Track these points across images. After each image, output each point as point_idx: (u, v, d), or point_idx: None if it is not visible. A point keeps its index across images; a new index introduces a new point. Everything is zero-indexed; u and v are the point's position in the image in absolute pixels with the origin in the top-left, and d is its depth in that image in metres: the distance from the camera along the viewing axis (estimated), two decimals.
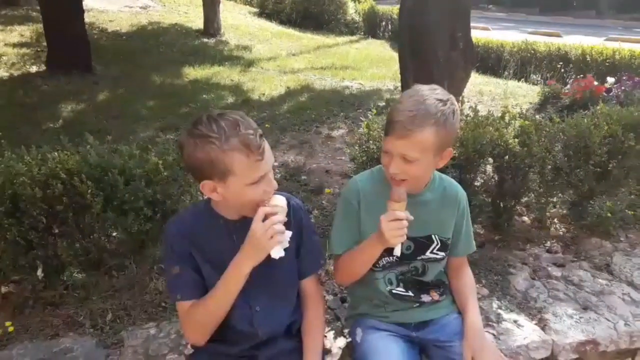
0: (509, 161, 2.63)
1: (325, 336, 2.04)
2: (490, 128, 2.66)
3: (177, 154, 2.38)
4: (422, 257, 1.76)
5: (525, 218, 3.05)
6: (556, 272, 2.52)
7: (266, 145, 1.44)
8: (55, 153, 2.17)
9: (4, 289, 2.36)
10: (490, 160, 2.76)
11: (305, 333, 1.65)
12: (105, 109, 5.00)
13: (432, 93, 1.58)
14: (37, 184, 2.08)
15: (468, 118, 2.79)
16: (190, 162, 1.43)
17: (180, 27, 9.72)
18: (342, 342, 2.02)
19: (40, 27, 7.27)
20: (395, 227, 1.51)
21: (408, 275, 1.79)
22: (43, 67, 6.16)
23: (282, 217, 1.42)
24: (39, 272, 2.28)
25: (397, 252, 1.58)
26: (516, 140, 2.62)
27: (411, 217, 1.55)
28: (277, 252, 1.44)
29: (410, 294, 1.79)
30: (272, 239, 1.39)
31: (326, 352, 1.96)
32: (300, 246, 1.63)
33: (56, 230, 2.21)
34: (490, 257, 2.64)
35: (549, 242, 2.83)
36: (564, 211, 3.07)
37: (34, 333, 2.15)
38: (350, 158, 2.85)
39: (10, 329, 2.07)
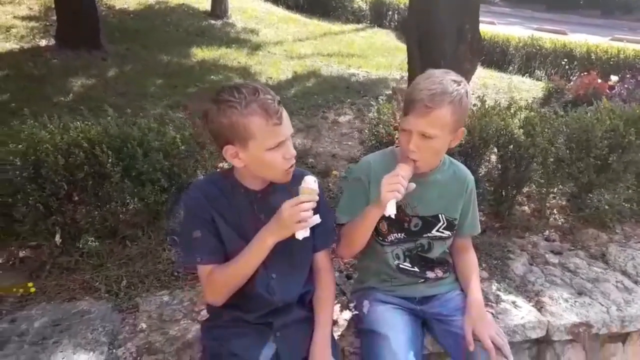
0: (513, 150, 2.71)
1: None
2: (497, 118, 2.74)
3: (194, 129, 2.46)
4: (429, 234, 1.86)
5: (526, 208, 3.14)
6: (553, 259, 2.61)
7: (284, 113, 1.52)
8: (78, 123, 2.24)
9: (21, 253, 2.44)
10: (495, 150, 2.84)
11: (317, 304, 1.74)
12: (114, 85, 5.05)
13: (446, 75, 1.68)
14: (59, 151, 2.16)
15: (475, 107, 2.87)
16: (213, 127, 1.52)
17: (187, 7, 9.71)
18: (347, 314, 2.11)
19: (48, 0, 7.28)
20: (393, 181, 1.58)
21: (414, 251, 1.88)
22: (52, 41, 6.19)
23: (312, 204, 1.49)
24: (57, 238, 2.36)
25: (390, 210, 1.58)
26: (521, 130, 2.70)
27: (413, 185, 1.62)
28: (302, 234, 1.51)
29: (416, 269, 1.89)
30: (298, 223, 1.48)
31: (333, 323, 2.05)
32: None
33: (76, 198, 2.29)
34: (490, 243, 2.73)
35: (547, 231, 2.92)
36: (563, 202, 3.16)
37: (51, 296, 2.23)
38: (360, 141, 2.93)
39: (32, 289, 2.15)
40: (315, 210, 1.58)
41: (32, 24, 6.89)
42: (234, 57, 6.74)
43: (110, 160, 2.18)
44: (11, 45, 5.99)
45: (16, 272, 2.35)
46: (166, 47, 6.86)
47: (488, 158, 2.87)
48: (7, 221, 2.29)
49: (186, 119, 2.84)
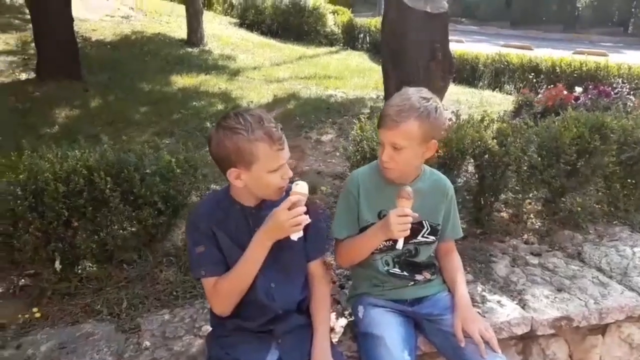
0: (488, 160, 2.88)
1: None
2: (471, 130, 2.91)
3: (187, 152, 2.57)
4: (415, 240, 1.99)
5: (504, 213, 3.31)
6: (533, 260, 2.77)
7: (285, 138, 1.65)
8: (76, 151, 2.33)
9: (21, 282, 2.49)
10: (472, 160, 3.01)
11: (314, 310, 1.85)
12: (99, 115, 5.12)
13: (417, 92, 1.85)
14: (59, 180, 2.24)
15: (450, 122, 3.04)
16: (218, 151, 1.63)
17: (164, 36, 9.86)
18: (343, 321, 2.21)
19: (25, 34, 7.35)
20: (402, 221, 1.75)
21: (402, 257, 2.01)
22: (32, 75, 6.24)
23: (304, 208, 1.62)
24: (57, 264, 2.41)
25: (400, 245, 1.80)
26: (494, 141, 2.88)
27: (417, 215, 1.78)
28: (296, 235, 1.65)
29: (405, 273, 2.02)
30: (295, 226, 1.60)
31: (330, 330, 2.15)
32: (307, 230, 1.82)
33: (75, 224, 2.36)
34: (473, 248, 2.87)
35: (526, 235, 3.08)
36: (539, 207, 3.34)
37: (54, 320, 2.28)
38: (345, 157, 3.07)
39: (37, 314, 2.20)
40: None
41: (11, 58, 6.93)
42: (214, 83, 6.88)
43: (108, 185, 2.27)
44: None
45: (17, 300, 2.40)
46: (147, 75, 6.97)
47: (466, 168, 3.04)
48: (7, 250, 2.34)
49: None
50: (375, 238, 1.89)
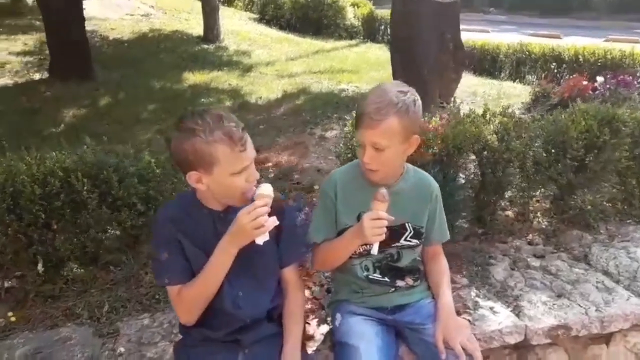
0: (487, 156, 2.73)
1: (309, 323, 2.14)
2: (470, 125, 2.76)
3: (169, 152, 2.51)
4: (397, 244, 1.87)
5: (509, 212, 3.14)
6: (535, 262, 2.61)
7: (248, 138, 1.56)
8: (54, 153, 2.29)
9: (6, 284, 2.48)
10: (473, 156, 2.86)
11: (286, 319, 1.75)
12: (106, 114, 5.15)
13: (393, 86, 1.72)
14: (35, 182, 2.21)
15: (448, 116, 2.89)
16: (177, 154, 1.55)
17: (181, 33, 9.88)
18: (325, 328, 2.12)
19: (43, 35, 7.43)
20: (376, 225, 1.64)
21: (384, 261, 1.90)
22: (46, 75, 6.33)
23: (267, 209, 1.52)
24: (40, 267, 2.40)
25: (374, 250, 1.69)
26: (494, 136, 2.72)
27: (392, 218, 1.67)
28: (262, 238, 1.55)
29: (386, 279, 1.90)
30: (257, 229, 1.51)
31: (309, 338, 2.06)
32: (280, 235, 1.73)
33: (54, 227, 2.33)
34: (473, 249, 2.73)
35: (530, 235, 2.92)
36: (547, 205, 3.16)
37: (34, 324, 2.26)
38: (336, 155, 2.96)
39: (13, 318, 2.18)
40: (281, 224, 1.61)
41: (27, 59, 7.06)
42: (225, 79, 6.84)
43: (85, 187, 2.22)
44: (5, 80, 6.14)
45: (2, 303, 2.39)
46: (160, 73, 6.99)
47: (465, 165, 2.88)
48: None
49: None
50: (351, 242, 1.78)
